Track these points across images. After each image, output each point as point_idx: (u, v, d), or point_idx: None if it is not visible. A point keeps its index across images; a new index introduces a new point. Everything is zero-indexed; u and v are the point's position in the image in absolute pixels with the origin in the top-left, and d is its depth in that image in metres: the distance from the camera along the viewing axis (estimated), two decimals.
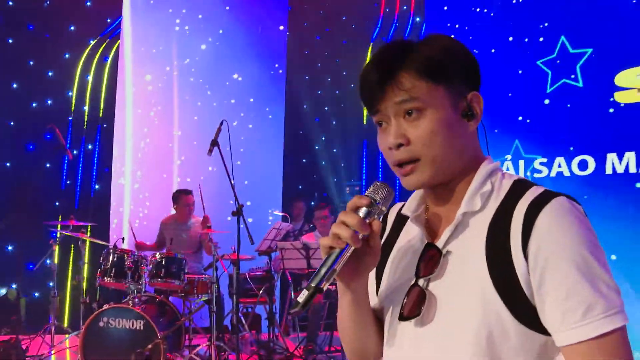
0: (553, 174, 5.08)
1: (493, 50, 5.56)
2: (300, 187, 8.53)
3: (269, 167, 7.65)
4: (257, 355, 5.45)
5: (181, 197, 6.12)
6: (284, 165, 8.12)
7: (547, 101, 5.11)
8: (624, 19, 4.57)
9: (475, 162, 1.13)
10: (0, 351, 5.12)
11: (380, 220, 1.09)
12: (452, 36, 1.17)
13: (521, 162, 5.25)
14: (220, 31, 7.65)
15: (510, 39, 5.50)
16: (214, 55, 7.61)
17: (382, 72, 1.08)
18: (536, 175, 5.12)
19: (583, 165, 4.87)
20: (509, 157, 5.18)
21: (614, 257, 4.16)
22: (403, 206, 1.23)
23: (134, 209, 7.25)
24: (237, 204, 4.75)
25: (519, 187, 1.07)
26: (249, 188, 6.89)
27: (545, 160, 5.11)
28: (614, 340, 0.95)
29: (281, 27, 8.26)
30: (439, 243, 1.09)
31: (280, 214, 6.76)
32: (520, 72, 5.35)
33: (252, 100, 7.74)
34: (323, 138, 8.61)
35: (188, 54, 7.63)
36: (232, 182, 4.77)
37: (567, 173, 4.94)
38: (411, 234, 1.19)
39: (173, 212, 6.29)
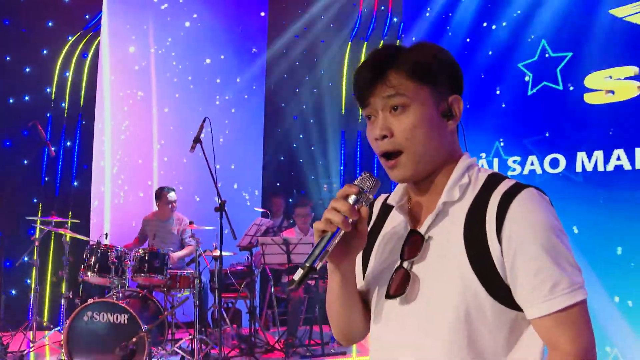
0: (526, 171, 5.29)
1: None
2: (278, 184, 8.61)
3: (250, 164, 7.75)
4: (238, 349, 5.55)
5: (163, 194, 6.16)
6: (265, 162, 8.21)
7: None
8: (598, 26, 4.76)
9: (453, 157, 1.26)
10: None
11: (367, 207, 1.21)
12: (439, 46, 1.29)
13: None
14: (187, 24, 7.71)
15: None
16: (193, 53, 7.68)
17: (375, 70, 1.21)
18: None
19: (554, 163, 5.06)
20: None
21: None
22: (388, 197, 1.35)
23: (113, 201, 7.26)
24: (219, 200, 4.86)
25: (493, 180, 1.21)
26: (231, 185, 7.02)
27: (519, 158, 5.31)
28: (576, 312, 1.10)
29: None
30: (422, 229, 1.22)
31: (261, 210, 6.85)
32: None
33: (228, 97, 7.81)
34: (301, 136, 8.71)
35: (164, 44, 7.70)
36: (215, 178, 4.88)
37: (539, 171, 5.13)
38: (395, 221, 1.32)
39: (155, 209, 6.34)
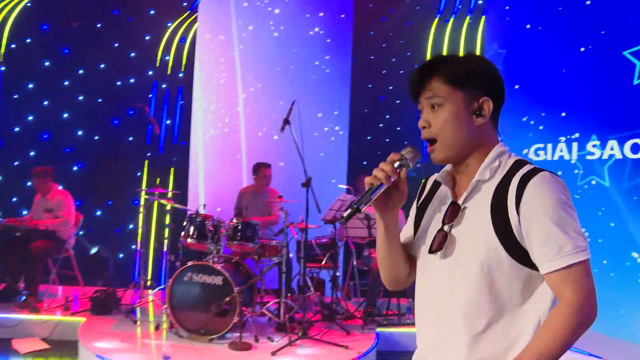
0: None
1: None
2: (364, 162, 8.90)
3: (336, 143, 8.07)
4: (320, 314, 5.96)
5: (260, 169, 6.63)
6: (349, 142, 8.54)
7: None
8: None
9: (485, 146, 1.59)
10: (102, 298, 5.84)
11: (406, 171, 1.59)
12: (485, 57, 1.66)
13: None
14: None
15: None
16: (283, 34, 8.05)
17: (421, 76, 1.59)
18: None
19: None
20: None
21: None
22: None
23: (207, 174, 7.82)
24: (306, 176, 5.25)
25: (518, 165, 1.54)
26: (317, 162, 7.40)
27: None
28: (579, 270, 1.42)
29: (342, 16, 8.56)
30: (459, 201, 1.58)
31: (345, 187, 7.18)
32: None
33: (314, 76, 8.13)
34: (387, 117, 8.97)
35: (254, 25, 8.10)
36: (302, 157, 5.28)
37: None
38: (442, 194, 1.68)
39: (247, 183, 6.81)
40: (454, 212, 1.57)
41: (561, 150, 5.87)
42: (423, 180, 1.83)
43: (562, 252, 1.41)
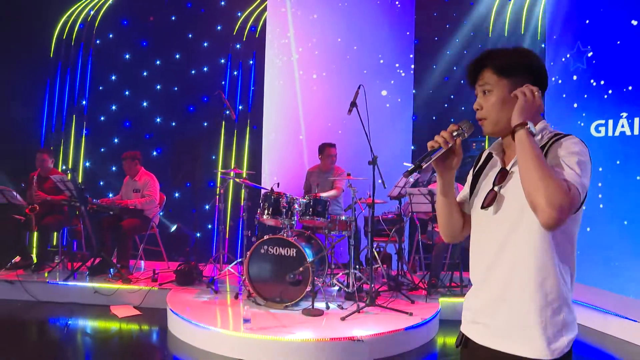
0: None
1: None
2: None
3: (400, 123, 8.31)
4: (387, 285, 6.29)
5: (326, 149, 6.98)
6: (416, 121, 8.77)
7: None
8: None
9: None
10: (185, 270, 6.38)
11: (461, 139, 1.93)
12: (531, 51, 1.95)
13: None
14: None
15: None
16: (346, 19, 8.31)
17: (475, 67, 1.93)
18: None
19: None
20: None
21: None
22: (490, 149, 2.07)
23: (279, 155, 8.24)
24: (372, 155, 5.57)
25: (554, 136, 1.86)
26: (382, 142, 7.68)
27: None
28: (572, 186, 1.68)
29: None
30: (507, 167, 1.91)
31: (410, 165, 7.41)
32: None
33: (382, 61, 8.37)
34: (452, 96, 9.12)
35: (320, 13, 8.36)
36: (369, 137, 5.58)
37: None
38: (493, 163, 2.01)
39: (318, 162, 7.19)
40: (502, 176, 1.89)
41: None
42: (482, 150, 2.18)
43: (566, 176, 1.70)
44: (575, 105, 6.65)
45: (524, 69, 1.88)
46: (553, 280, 1.77)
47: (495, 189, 1.89)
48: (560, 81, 6.95)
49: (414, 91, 8.67)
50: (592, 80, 6.44)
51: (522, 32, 8.59)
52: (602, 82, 6.30)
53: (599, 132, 6.35)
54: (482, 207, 1.92)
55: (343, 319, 5.14)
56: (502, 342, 1.83)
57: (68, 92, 8.88)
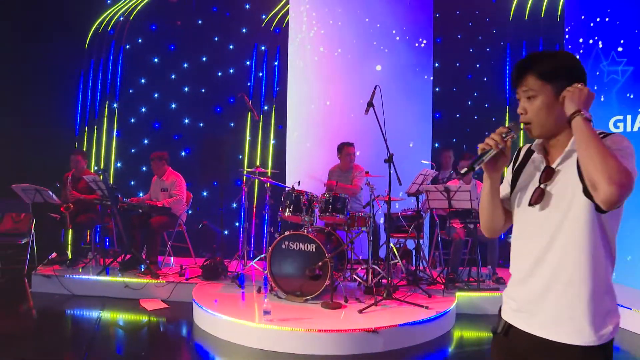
0: None
1: None
2: (454, 140, 9.15)
3: (420, 122, 8.42)
4: (405, 280, 6.45)
5: (344, 148, 7.16)
6: (439, 119, 8.89)
7: None
8: None
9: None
10: (211, 266, 6.64)
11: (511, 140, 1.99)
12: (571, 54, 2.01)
13: None
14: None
15: None
16: (363, 23, 8.44)
17: (519, 73, 1.97)
18: None
19: None
20: None
21: None
22: (530, 146, 2.12)
23: (302, 154, 8.42)
24: (388, 153, 5.73)
25: (599, 133, 1.85)
26: (400, 140, 7.81)
27: None
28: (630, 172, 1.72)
29: None
30: (554, 165, 1.96)
31: (427, 162, 7.55)
32: None
33: (402, 61, 8.49)
34: (475, 94, 9.19)
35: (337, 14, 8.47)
36: (385, 136, 5.75)
37: None
38: (535, 161, 2.05)
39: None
40: (548, 174, 1.95)
41: None
42: (519, 148, 2.23)
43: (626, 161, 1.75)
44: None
45: (567, 73, 1.92)
46: (600, 271, 1.86)
47: (542, 186, 1.96)
48: None
49: (437, 89, 8.76)
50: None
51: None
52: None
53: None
54: (530, 205, 1.99)
55: (360, 311, 5.32)
56: (550, 330, 1.91)
57: (100, 97, 9.24)
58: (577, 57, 2.00)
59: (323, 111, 8.31)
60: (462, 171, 2.00)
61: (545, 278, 1.92)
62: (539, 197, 1.95)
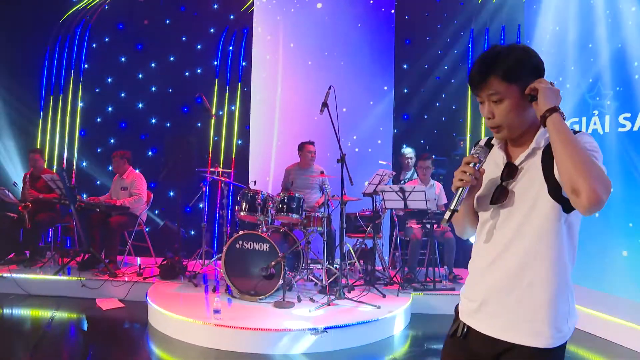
0: None
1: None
2: (422, 141, 9.20)
3: (381, 124, 8.45)
4: (362, 280, 6.48)
5: (304, 147, 7.17)
6: (407, 120, 8.92)
7: None
8: None
9: (537, 122, 1.86)
10: (169, 265, 6.63)
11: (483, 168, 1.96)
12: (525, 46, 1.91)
13: None
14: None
15: None
16: (336, 23, 8.46)
17: (480, 75, 1.86)
18: None
19: None
20: None
21: None
22: (490, 139, 2.04)
23: (265, 154, 8.42)
24: (340, 153, 5.75)
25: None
26: (360, 142, 7.89)
27: None
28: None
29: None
30: (517, 162, 1.91)
31: (384, 162, 7.58)
32: None
33: (361, 59, 8.50)
34: (443, 95, 9.23)
35: (304, 17, 8.53)
36: (338, 136, 5.77)
37: None
38: (495, 157, 2.00)
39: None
40: (511, 171, 1.91)
41: None
42: (476, 142, 2.13)
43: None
44: None
45: (531, 69, 1.86)
46: (562, 272, 1.83)
47: (504, 184, 1.92)
48: None
49: (405, 90, 8.80)
50: None
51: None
52: None
53: None
54: (491, 203, 1.94)
55: (311, 311, 5.34)
56: (509, 333, 1.87)
57: (62, 94, 9.17)
58: (530, 47, 1.93)
59: (287, 110, 8.32)
60: (447, 217, 1.90)
61: (505, 278, 1.88)
62: (501, 196, 1.90)
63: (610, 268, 6.15)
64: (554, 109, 1.76)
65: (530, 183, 1.84)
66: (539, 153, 1.85)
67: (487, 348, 1.92)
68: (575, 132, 1.78)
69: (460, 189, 1.89)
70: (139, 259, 7.62)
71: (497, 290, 1.90)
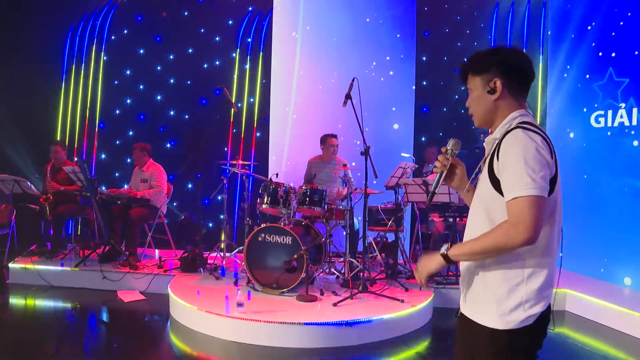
0: None
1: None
2: (440, 134, 9.14)
3: (403, 116, 8.37)
4: (384, 274, 6.43)
5: (327, 139, 7.10)
6: (427, 113, 8.83)
7: None
8: None
9: (503, 114, 2.09)
10: (190, 258, 6.61)
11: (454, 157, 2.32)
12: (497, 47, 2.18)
13: None
14: None
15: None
16: (351, 19, 8.38)
17: (463, 71, 2.17)
18: None
19: None
20: None
21: None
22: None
23: (286, 147, 8.36)
24: (364, 146, 5.68)
25: (514, 125, 2.00)
26: (382, 134, 7.80)
27: None
28: (523, 201, 1.84)
29: None
30: (486, 154, 2.12)
31: (407, 155, 7.50)
32: None
33: (388, 58, 8.42)
34: (462, 88, 9.11)
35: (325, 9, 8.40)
36: (362, 128, 5.70)
37: None
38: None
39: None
40: (484, 163, 2.11)
41: None
42: None
43: (513, 188, 1.86)
44: None
45: (493, 64, 2.07)
46: (511, 259, 1.97)
47: (479, 174, 2.15)
48: None
49: (424, 82, 8.71)
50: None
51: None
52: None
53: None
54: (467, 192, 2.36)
55: (335, 304, 5.30)
56: (467, 309, 2.12)
57: (83, 85, 9.17)
58: (521, 51, 2.11)
59: (307, 103, 8.24)
60: (428, 198, 2.39)
61: (465, 263, 2.12)
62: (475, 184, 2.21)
63: None
64: (443, 256, 2.03)
65: (483, 176, 2.04)
66: (494, 145, 2.02)
67: (461, 324, 2.20)
68: (513, 129, 1.95)
69: (437, 174, 2.30)
70: (157, 251, 7.62)
71: (463, 272, 2.17)
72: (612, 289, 6.31)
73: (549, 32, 7.76)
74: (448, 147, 2.28)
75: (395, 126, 8.21)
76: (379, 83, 8.20)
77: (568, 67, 7.18)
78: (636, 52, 6.18)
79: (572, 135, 7.03)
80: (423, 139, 8.92)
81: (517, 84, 2.07)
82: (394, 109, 8.27)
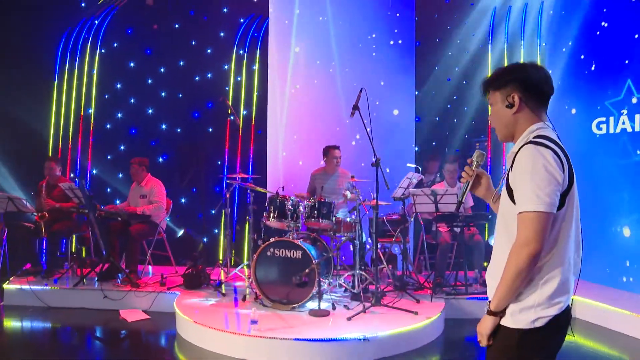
0: None
1: None
2: (434, 143, 9.11)
3: (402, 126, 8.32)
4: (392, 286, 6.35)
5: (330, 151, 7.01)
6: (418, 123, 8.81)
7: None
8: None
9: (522, 127, 2.18)
10: (193, 274, 6.46)
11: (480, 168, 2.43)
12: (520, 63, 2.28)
13: None
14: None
15: None
16: (348, 28, 8.33)
17: (485, 87, 2.28)
18: None
19: None
20: None
21: None
22: None
23: (284, 159, 8.25)
24: (375, 157, 5.63)
25: (529, 140, 2.08)
26: (384, 145, 7.74)
27: None
28: (526, 217, 1.98)
29: None
30: (507, 167, 2.16)
31: (413, 165, 7.46)
32: None
33: (383, 66, 8.38)
34: (455, 97, 9.13)
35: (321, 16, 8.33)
36: (371, 139, 5.64)
37: None
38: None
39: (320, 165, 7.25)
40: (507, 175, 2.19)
41: None
42: None
43: (521, 202, 1.99)
44: None
45: (510, 80, 2.17)
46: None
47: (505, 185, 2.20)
48: None
49: (416, 92, 8.70)
50: None
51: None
52: None
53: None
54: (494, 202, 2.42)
55: (349, 319, 5.21)
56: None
57: (75, 100, 8.97)
58: (538, 66, 2.22)
59: (304, 114, 8.17)
60: (456, 207, 2.56)
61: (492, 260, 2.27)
62: (498, 199, 2.31)
63: None
64: (489, 313, 2.13)
65: (504, 186, 2.16)
66: (511, 160, 2.12)
67: None
68: (525, 145, 2.06)
69: (463, 183, 2.41)
70: (151, 267, 7.44)
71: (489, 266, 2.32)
72: (620, 294, 6.32)
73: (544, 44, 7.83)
74: (473, 159, 2.40)
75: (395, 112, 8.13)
76: (379, 86, 8.17)
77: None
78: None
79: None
80: (415, 148, 8.88)
81: (534, 97, 2.16)
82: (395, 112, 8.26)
